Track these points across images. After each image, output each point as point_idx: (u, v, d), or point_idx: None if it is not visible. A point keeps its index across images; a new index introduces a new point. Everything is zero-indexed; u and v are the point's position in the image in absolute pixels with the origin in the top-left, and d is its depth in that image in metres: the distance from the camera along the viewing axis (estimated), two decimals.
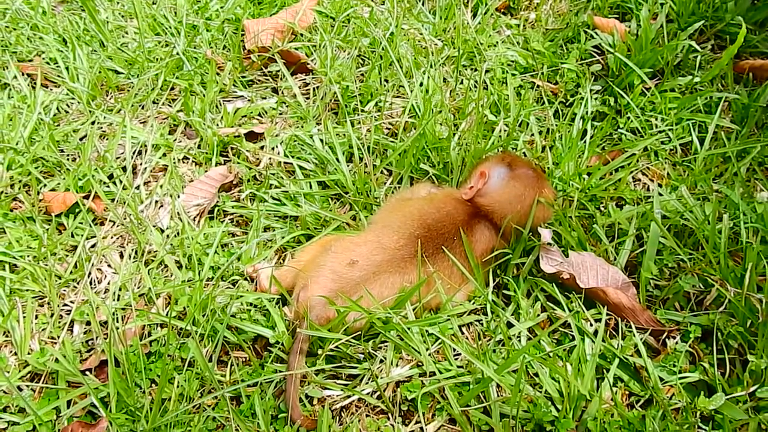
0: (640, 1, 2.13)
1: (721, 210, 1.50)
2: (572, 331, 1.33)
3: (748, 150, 1.69)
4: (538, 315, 1.39)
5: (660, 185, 1.66)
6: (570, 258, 1.41)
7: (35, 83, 1.89)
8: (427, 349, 1.31)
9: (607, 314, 1.36)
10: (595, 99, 1.88)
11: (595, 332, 1.32)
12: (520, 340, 1.35)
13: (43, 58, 2.01)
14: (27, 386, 1.29)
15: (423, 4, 2.25)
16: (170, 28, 2.09)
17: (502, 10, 2.26)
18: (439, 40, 2.11)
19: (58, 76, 1.94)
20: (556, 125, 1.81)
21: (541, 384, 1.27)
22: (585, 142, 1.74)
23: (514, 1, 2.26)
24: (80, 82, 1.91)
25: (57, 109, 1.86)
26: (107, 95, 1.93)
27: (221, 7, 2.20)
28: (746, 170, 1.67)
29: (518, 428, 1.22)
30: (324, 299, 1.27)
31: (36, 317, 1.40)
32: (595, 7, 2.20)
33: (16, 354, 1.34)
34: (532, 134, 1.78)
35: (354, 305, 1.25)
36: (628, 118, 1.81)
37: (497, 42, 2.09)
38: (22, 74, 1.94)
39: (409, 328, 1.30)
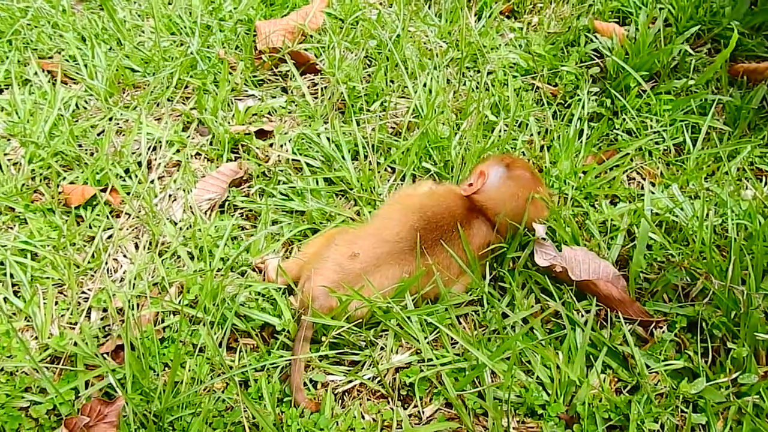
0: (640, 6, 2.19)
1: (710, 207, 1.55)
2: (564, 321, 1.40)
3: (739, 150, 1.75)
4: (532, 306, 1.45)
5: (653, 184, 1.72)
6: (563, 252, 1.48)
7: (55, 80, 1.97)
8: (425, 338, 1.37)
9: (598, 305, 1.42)
10: (593, 101, 1.94)
11: (586, 322, 1.38)
12: (514, 330, 1.42)
13: (63, 56, 2.09)
14: (47, 368, 1.37)
15: (429, 7, 2.32)
16: (185, 27, 2.17)
17: (506, 14, 2.32)
18: (443, 42, 2.18)
19: (77, 73, 2.02)
20: (554, 126, 1.87)
21: (533, 370, 1.34)
22: (581, 142, 1.80)
23: (518, 4, 2.33)
24: (98, 79, 1.99)
25: (76, 105, 1.94)
26: (124, 93, 2.00)
27: (234, 8, 2.27)
28: (737, 170, 1.73)
29: (511, 411, 1.29)
30: (327, 289, 1.34)
31: (56, 303, 1.47)
32: (596, 11, 2.26)
33: (36, 338, 1.42)
34: (531, 134, 1.85)
35: (355, 294, 1.32)
36: (624, 119, 1.87)
37: (500, 45, 2.15)
38: (43, 71, 2.02)
39: (408, 318, 1.37)
